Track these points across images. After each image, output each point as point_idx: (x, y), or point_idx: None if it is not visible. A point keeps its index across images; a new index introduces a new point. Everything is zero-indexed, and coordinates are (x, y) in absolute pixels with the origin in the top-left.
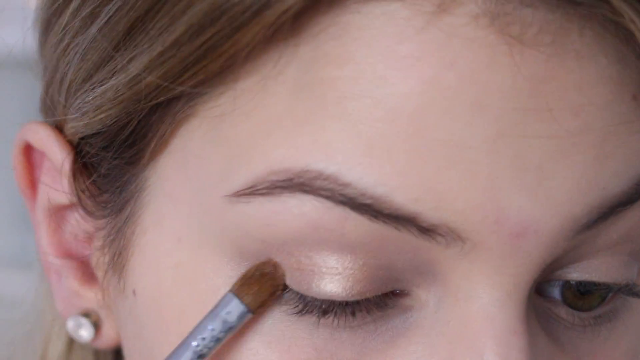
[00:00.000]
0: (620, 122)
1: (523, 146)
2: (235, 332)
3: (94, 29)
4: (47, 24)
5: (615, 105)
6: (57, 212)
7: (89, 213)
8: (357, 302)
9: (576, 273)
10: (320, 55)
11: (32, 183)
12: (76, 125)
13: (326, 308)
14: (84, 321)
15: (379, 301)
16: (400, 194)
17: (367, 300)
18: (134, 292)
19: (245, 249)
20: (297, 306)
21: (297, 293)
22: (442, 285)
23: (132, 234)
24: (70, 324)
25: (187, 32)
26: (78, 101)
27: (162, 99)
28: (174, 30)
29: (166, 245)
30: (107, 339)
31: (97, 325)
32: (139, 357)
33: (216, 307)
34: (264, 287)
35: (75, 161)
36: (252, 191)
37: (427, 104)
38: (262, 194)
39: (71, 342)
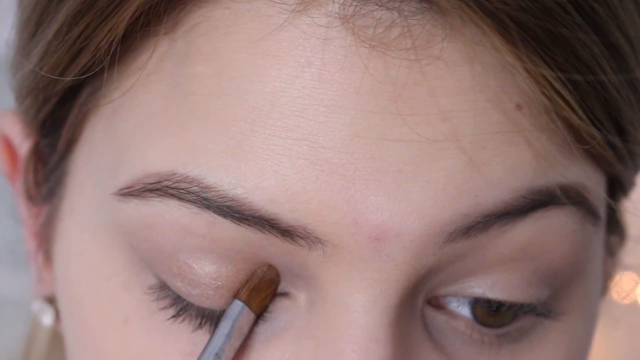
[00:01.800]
0: (498, 130)
1: (381, 148)
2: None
3: (20, 21)
4: None
5: (492, 114)
6: (31, 201)
7: (33, 200)
8: None
9: (474, 289)
10: (192, 51)
11: (15, 173)
12: (19, 112)
13: (203, 315)
14: (46, 307)
15: None
16: (258, 195)
17: None
18: (56, 277)
19: (134, 245)
20: (174, 307)
21: (175, 294)
22: (315, 289)
23: (55, 222)
24: (35, 308)
25: (65, 23)
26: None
27: (59, 88)
28: (57, 22)
29: (74, 234)
30: None
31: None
32: (66, 342)
33: (229, 314)
34: (269, 293)
35: (33, 150)
36: (129, 192)
37: (284, 103)
38: (136, 197)
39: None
